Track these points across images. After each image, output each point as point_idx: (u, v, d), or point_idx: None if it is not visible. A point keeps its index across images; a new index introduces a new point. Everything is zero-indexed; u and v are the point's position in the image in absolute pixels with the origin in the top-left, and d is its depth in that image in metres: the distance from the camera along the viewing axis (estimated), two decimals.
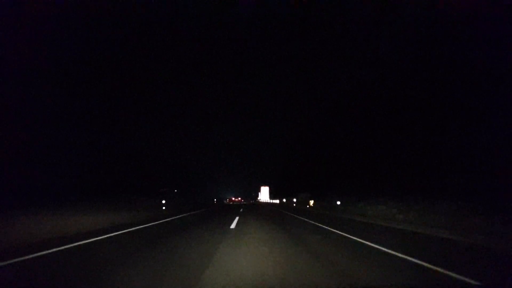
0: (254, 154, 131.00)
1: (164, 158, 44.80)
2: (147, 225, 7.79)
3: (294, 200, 31.11)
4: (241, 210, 17.35)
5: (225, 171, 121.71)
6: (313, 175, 32.81)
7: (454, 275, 3.01)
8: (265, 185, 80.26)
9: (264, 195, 78.31)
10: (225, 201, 65.41)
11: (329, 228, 7.33)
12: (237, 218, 10.50)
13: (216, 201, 51.13)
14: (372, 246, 4.71)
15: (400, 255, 4.00)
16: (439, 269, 3.23)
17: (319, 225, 8.23)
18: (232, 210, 17.01)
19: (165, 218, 10.05)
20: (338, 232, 6.65)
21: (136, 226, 7.29)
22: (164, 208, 15.00)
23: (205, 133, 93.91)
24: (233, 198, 75.29)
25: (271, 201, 55.61)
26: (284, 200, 43.28)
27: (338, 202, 13.35)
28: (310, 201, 21.38)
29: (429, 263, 3.49)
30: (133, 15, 27.16)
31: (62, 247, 4.21)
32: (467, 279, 2.86)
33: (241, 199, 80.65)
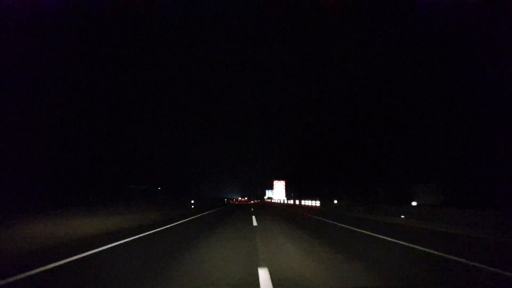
0: (257, 148, 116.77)
1: (153, 154, 41.53)
2: None
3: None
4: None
5: (225, 168, 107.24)
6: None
7: None
8: (278, 179, 65.56)
9: (278, 192, 63.64)
10: (230, 201, 55.66)
11: None
12: None
13: (194, 203, 26.55)
14: None
15: None
16: None
17: None
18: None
19: None
20: None
21: None
22: None
23: (203, 132, 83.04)
24: (240, 198, 68.77)
25: (302, 202, 39.64)
26: (336, 201, 28.28)
27: None
28: None
29: None
30: (137, 14, 26.02)
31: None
32: None
33: (247, 199, 72.59)
